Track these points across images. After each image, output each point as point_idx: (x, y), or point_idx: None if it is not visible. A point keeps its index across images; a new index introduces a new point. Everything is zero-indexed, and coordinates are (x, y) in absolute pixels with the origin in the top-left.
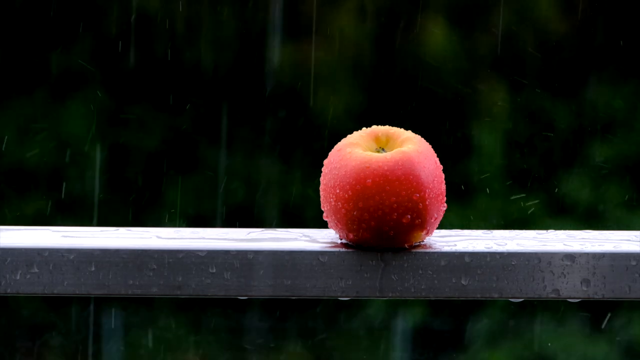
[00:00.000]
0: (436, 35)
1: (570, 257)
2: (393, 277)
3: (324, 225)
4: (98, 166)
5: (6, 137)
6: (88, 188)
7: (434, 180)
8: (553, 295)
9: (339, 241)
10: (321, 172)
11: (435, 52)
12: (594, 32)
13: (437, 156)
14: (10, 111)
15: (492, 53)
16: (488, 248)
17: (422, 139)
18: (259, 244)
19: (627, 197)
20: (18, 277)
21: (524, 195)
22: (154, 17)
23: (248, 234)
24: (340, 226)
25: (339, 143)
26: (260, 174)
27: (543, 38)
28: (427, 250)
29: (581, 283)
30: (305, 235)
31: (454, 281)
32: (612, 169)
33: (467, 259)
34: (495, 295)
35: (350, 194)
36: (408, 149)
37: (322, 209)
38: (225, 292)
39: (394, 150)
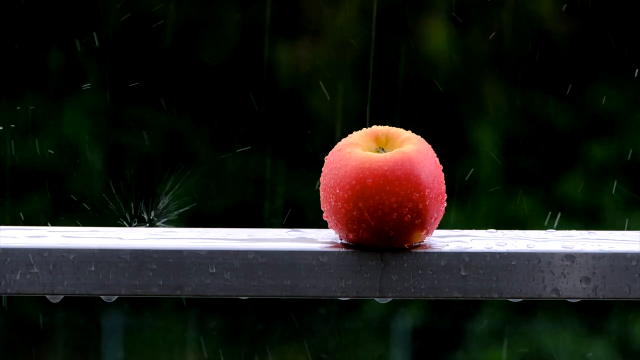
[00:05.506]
0: (436, 35)
1: (570, 257)
2: (393, 277)
3: (324, 225)
4: (98, 166)
5: (6, 137)
6: (88, 188)
7: (433, 180)
8: (553, 296)
9: (339, 241)
10: (321, 172)
11: (435, 52)
12: (593, 32)
13: (437, 156)
14: (10, 111)
15: (491, 53)
16: (488, 248)
17: (422, 139)
18: (259, 244)
19: (626, 197)
20: (18, 277)
21: (523, 195)
22: (154, 16)
23: (248, 234)
24: (340, 226)
25: (339, 143)
26: (261, 174)
27: (543, 38)
28: (427, 250)
29: (581, 283)
30: (305, 235)
31: (454, 281)
32: (611, 169)
33: (467, 259)
34: (495, 295)
35: (350, 194)
36: (408, 149)
37: (322, 209)
38: (225, 292)
39: (393, 151)
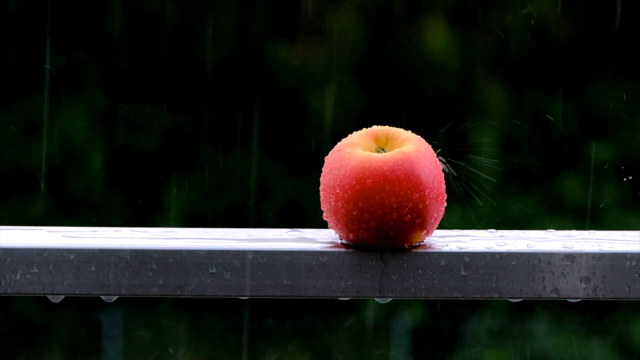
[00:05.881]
0: (436, 35)
1: (570, 257)
2: (393, 277)
3: (324, 225)
4: (97, 166)
5: (6, 137)
6: (88, 188)
7: (433, 180)
8: (553, 296)
9: (339, 241)
10: (321, 172)
11: (435, 51)
12: (593, 32)
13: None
14: (9, 111)
15: (491, 53)
16: (488, 248)
17: (422, 139)
18: (259, 244)
19: (626, 197)
20: (18, 277)
21: (522, 195)
22: (153, 15)
23: (248, 234)
24: (340, 226)
25: (339, 143)
26: (260, 174)
27: (542, 38)
28: (427, 250)
29: (581, 283)
30: (305, 235)
31: (454, 281)
32: (611, 169)
33: (467, 259)
34: (495, 295)
35: (350, 194)
36: (408, 149)
37: (322, 209)
38: (225, 292)
39: (393, 151)
